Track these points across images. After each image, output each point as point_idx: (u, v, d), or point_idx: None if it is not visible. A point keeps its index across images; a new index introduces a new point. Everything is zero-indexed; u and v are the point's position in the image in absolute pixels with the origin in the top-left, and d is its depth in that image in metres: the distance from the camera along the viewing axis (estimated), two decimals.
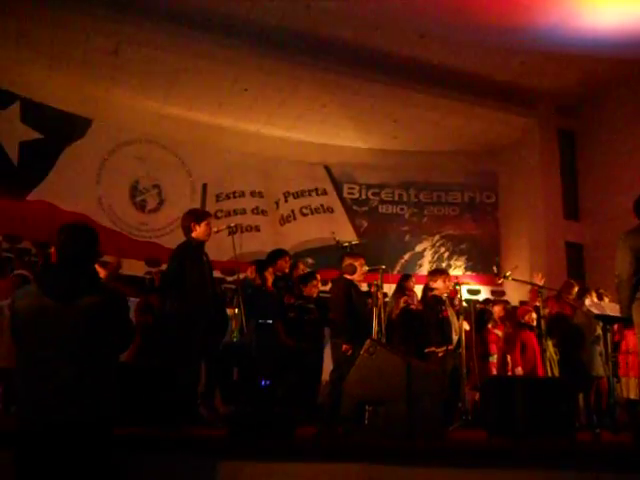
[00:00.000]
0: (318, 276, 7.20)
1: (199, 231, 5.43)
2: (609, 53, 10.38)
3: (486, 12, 9.18)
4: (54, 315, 2.82)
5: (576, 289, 7.72)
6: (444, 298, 6.78)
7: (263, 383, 4.18)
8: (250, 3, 9.56)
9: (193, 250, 5.39)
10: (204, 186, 12.62)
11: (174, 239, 6.38)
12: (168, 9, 9.64)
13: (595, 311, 6.16)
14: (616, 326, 7.18)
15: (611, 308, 6.48)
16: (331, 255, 8.96)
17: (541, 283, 7.00)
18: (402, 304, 7.13)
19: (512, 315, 8.04)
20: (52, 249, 2.98)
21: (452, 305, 6.88)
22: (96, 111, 11.60)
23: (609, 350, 6.12)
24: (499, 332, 7.73)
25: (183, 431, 4.43)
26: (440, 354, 6.47)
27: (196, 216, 5.51)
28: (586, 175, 12.86)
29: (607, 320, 6.11)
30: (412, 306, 7.12)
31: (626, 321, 6.72)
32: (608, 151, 12.18)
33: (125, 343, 3.12)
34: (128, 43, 10.12)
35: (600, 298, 7.46)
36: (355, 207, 13.41)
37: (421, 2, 9.07)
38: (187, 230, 5.47)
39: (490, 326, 7.65)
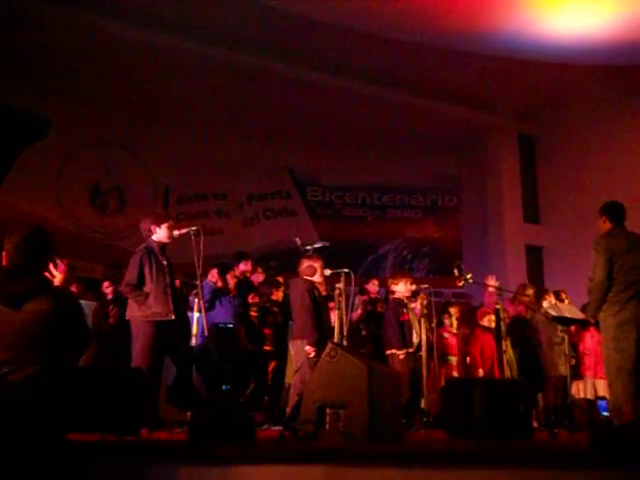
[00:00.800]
0: (282, 279, 7.21)
1: (159, 234, 5.40)
2: (569, 60, 10.57)
3: (448, 17, 9.28)
4: (4, 320, 2.78)
5: (530, 290, 7.85)
6: (405, 301, 6.84)
7: (224, 387, 4.16)
8: (209, 5, 9.54)
9: (153, 253, 5.35)
10: (166, 188, 12.51)
11: (136, 242, 6.31)
12: (130, 9, 9.55)
13: (553, 313, 6.27)
14: (574, 328, 7.34)
15: (568, 310, 6.62)
16: (295, 258, 8.96)
17: (494, 286, 7.14)
18: (362, 306, 7.17)
19: (470, 317, 8.13)
20: (4, 253, 2.92)
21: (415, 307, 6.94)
22: (56, 112, 11.41)
23: (566, 351, 6.26)
24: (457, 333, 7.82)
25: (142, 436, 4.37)
26: (401, 356, 6.52)
27: (156, 219, 5.48)
28: (546, 179, 13.09)
29: (564, 322, 6.24)
30: (369, 306, 7.17)
31: (583, 323, 6.89)
32: (568, 156, 12.42)
33: (80, 347, 3.07)
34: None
35: (559, 300, 7.59)
36: (318, 210, 13.45)
37: (384, 6, 9.12)
38: (147, 233, 5.44)
39: (448, 328, 7.73)
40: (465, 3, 9.02)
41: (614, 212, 5.28)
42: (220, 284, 6.58)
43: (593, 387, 7.32)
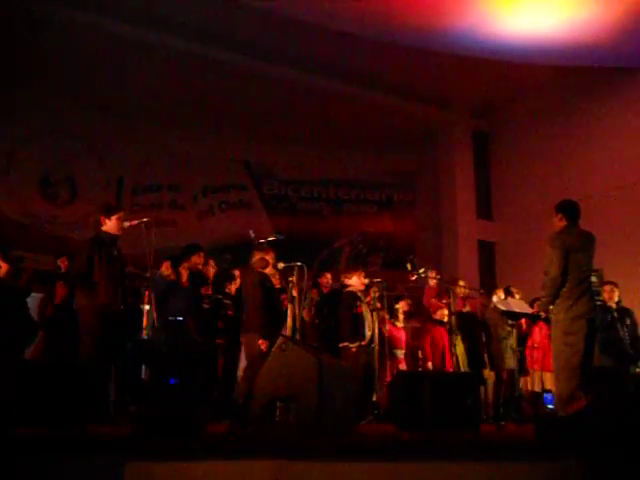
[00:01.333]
0: (237, 272, 7.15)
1: (109, 225, 5.34)
2: (522, 59, 10.71)
3: (402, 13, 9.30)
4: None
5: (461, 282, 7.97)
6: (359, 294, 6.88)
7: (173, 381, 4.11)
8: None
9: (103, 245, 5.28)
10: (120, 179, 12.30)
11: (87, 233, 6.21)
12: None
13: (502, 307, 6.40)
14: (524, 322, 7.49)
15: (517, 304, 6.75)
16: (250, 251, 8.93)
17: (436, 280, 7.29)
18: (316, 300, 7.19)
19: (422, 311, 8.22)
20: None
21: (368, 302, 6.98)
22: (5, 100, 11.11)
23: (514, 345, 6.39)
24: (404, 327, 7.90)
25: (88, 430, 4.30)
26: (353, 349, 6.56)
27: (106, 210, 5.41)
28: (499, 176, 13.30)
29: (512, 316, 6.36)
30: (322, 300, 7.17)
31: (532, 317, 7.05)
32: (519, 154, 12.63)
33: (22, 340, 3.01)
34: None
35: (510, 295, 7.73)
36: (274, 203, 13.40)
37: (340, 1, 9.11)
38: (96, 224, 5.38)
39: (394, 321, 7.79)
40: (419, 0, 9.07)
41: (570, 211, 5.43)
42: (172, 277, 6.51)
43: (541, 380, 7.49)
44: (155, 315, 5.35)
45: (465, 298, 7.73)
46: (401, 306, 8.00)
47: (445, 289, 7.17)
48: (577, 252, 5.21)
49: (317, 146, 13.13)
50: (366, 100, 12.06)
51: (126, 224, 5.43)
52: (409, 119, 12.70)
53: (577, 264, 5.19)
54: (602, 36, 9.80)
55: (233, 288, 7.10)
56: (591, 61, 10.73)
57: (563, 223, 5.39)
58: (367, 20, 9.50)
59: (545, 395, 4.55)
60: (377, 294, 6.78)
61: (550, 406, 4.50)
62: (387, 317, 7.53)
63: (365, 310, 6.82)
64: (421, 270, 7.20)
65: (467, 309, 7.72)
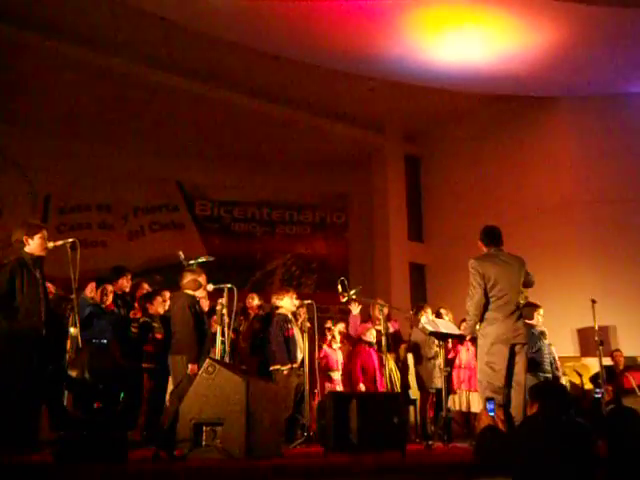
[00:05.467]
0: (167, 293, 7.00)
1: (32, 245, 5.16)
2: (451, 87, 11.07)
3: (336, 38, 9.48)
4: None
5: (380, 301, 8.05)
6: (290, 316, 6.86)
7: (95, 406, 4.00)
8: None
9: (25, 265, 5.10)
10: (47, 198, 11.98)
11: (11, 254, 5.99)
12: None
13: (429, 328, 6.49)
14: (450, 343, 7.62)
15: (445, 325, 6.88)
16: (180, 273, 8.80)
17: (359, 306, 7.43)
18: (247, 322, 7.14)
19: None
20: None
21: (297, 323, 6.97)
22: None
23: (442, 365, 6.50)
24: (340, 348, 7.94)
25: (6, 457, 4.13)
26: (285, 372, 6.53)
27: (28, 229, 5.23)
28: (429, 200, 13.62)
29: (440, 336, 6.48)
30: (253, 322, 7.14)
31: (459, 338, 7.19)
32: (450, 178, 12.98)
33: None
34: None
35: (438, 316, 7.84)
36: (207, 224, 13.31)
37: (275, 24, 9.21)
38: (19, 244, 5.19)
39: (330, 343, 7.83)
40: (353, 27, 9.25)
41: (487, 236, 5.57)
42: (98, 299, 6.35)
43: (467, 400, 7.62)
44: (79, 338, 5.20)
45: (387, 319, 7.82)
46: (337, 328, 8.04)
47: (368, 314, 7.29)
48: (498, 276, 5.32)
49: (251, 167, 13.16)
50: (300, 122, 12.21)
51: (50, 244, 5.26)
52: (342, 142, 12.89)
53: (498, 288, 5.30)
54: (527, 67, 10.27)
55: (161, 309, 6.96)
56: (516, 90, 11.19)
57: (483, 249, 5.56)
58: (297, 42, 9.64)
59: (488, 403, 4.59)
60: (306, 315, 6.78)
61: (492, 414, 4.54)
62: (328, 338, 7.57)
63: (297, 332, 6.80)
64: (352, 291, 7.25)
65: (390, 329, 7.79)
